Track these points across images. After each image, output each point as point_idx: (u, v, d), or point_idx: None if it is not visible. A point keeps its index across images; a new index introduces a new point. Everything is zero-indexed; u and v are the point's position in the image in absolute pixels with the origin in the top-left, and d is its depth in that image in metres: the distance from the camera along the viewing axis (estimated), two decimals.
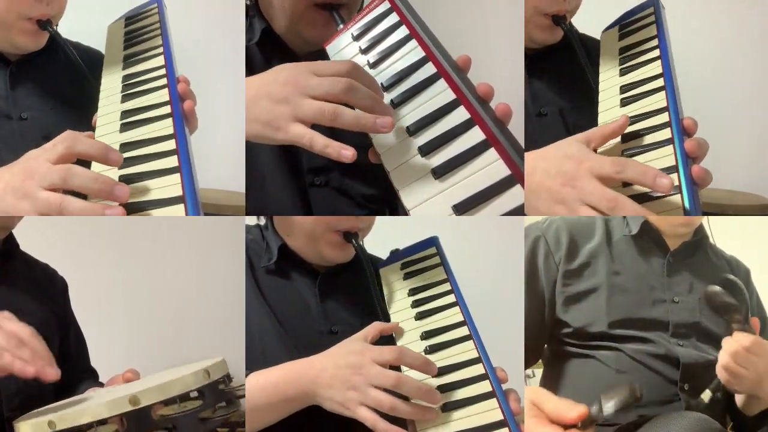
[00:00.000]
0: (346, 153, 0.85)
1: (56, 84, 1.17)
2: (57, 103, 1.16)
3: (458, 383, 0.93)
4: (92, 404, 0.82)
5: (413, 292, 1.09)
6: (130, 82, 1.06)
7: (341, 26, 1.02)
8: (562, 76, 1.17)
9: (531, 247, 1.26)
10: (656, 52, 1.08)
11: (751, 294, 1.32)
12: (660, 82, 1.03)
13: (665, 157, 0.93)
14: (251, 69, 1.10)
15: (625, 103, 1.03)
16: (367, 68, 0.95)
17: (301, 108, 0.85)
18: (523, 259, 1.25)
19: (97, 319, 1.44)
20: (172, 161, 0.89)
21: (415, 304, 1.06)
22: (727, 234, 1.35)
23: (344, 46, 1.00)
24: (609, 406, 0.80)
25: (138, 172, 0.89)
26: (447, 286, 1.06)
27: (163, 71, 1.04)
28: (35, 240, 1.27)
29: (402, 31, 0.97)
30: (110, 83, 1.08)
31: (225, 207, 1.67)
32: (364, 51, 0.98)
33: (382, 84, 0.93)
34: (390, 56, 0.96)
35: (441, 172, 0.85)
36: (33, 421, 0.84)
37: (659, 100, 1.00)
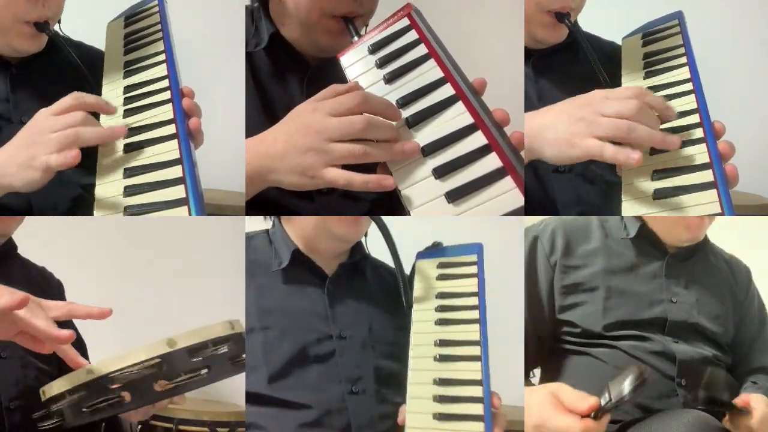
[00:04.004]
0: (388, 183, 0.89)
1: (57, 87, 1.15)
2: None
3: (454, 398, 0.98)
4: (130, 350, 0.88)
5: (442, 296, 1.10)
6: (131, 94, 1.06)
7: (356, 38, 1.04)
8: (569, 74, 1.19)
9: (529, 247, 1.29)
10: (683, 59, 1.12)
11: (753, 295, 1.32)
12: (689, 86, 1.07)
13: (698, 154, 0.97)
14: (258, 75, 1.12)
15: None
16: (382, 83, 0.97)
17: (330, 154, 0.89)
18: (523, 259, 1.25)
19: (95, 320, 1.43)
20: (180, 191, 0.91)
21: (440, 308, 1.08)
22: (726, 234, 1.36)
23: (359, 59, 1.02)
24: (616, 393, 0.82)
25: (143, 203, 0.93)
26: (475, 300, 1.07)
27: (166, 83, 1.04)
28: (34, 240, 1.28)
29: (420, 50, 0.99)
30: (111, 93, 1.08)
31: (225, 207, 1.68)
32: (380, 65, 0.99)
33: (398, 101, 0.95)
34: (407, 73, 0.97)
35: (456, 196, 0.87)
36: (68, 375, 0.89)
37: (689, 102, 1.04)
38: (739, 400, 1.08)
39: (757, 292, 1.35)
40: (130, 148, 0.98)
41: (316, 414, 1.04)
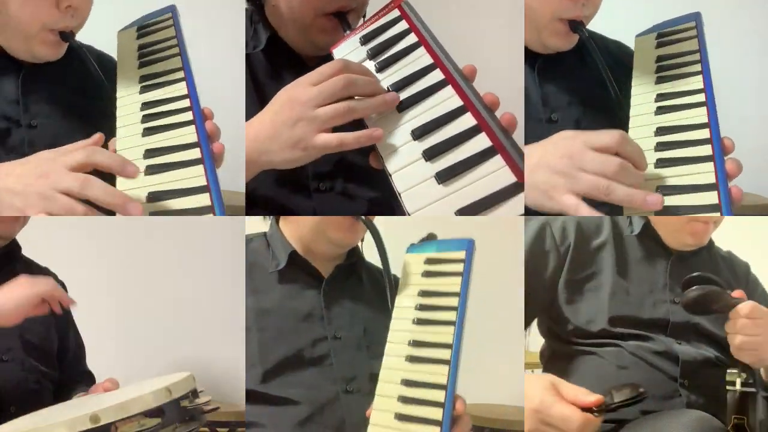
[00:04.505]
0: (377, 134, 0.91)
1: (68, 91, 1.18)
2: (68, 111, 1.16)
3: (417, 400, 0.96)
4: (52, 422, 0.85)
5: (424, 294, 1.07)
6: (149, 111, 1.05)
7: (348, 32, 1.06)
8: (576, 79, 1.18)
9: (536, 234, 1.28)
10: (698, 67, 1.10)
11: (754, 284, 1.32)
12: (701, 97, 1.05)
13: (705, 173, 0.96)
14: (256, 76, 1.14)
15: (660, 111, 1.06)
16: (373, 72, 0.99)
17: (318, 119, 0.90)
18: (523, 259, 1.25)
19: (97, 320, 1.45)
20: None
21: (420, 307, 1.05)
22: (727, 234, 1.36)
23: (352, 50, 1.04)
24: (618, 397, 0.85)
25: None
26: (455, 302, 1.02)
27: (186, 102, 1.04)
28: (34, 241, 1.28)
29: (411, 38, 1.01)
30: (126, 108, 1.06)
31: (225, 207, 1.67)
32: (372, 56, 1.01)
33: (388, 88, 0.96)
34: (397, 62, 0.99)
35: (445, 176, 0.87)
36: None
37: (699, 115, 1.03)
38: (736, 293, 1.09)
39: (758, 281, 1.35)
40: (152, 171, 0.96)
41: (311, 410, 1.05)
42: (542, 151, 0.95)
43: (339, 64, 0.92)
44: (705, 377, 1.19)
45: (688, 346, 1.20)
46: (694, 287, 1.09)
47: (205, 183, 0.93)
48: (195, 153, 0.97)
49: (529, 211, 0.95)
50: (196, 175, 0.94)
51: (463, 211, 0.85)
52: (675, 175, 0.97)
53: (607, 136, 0.93)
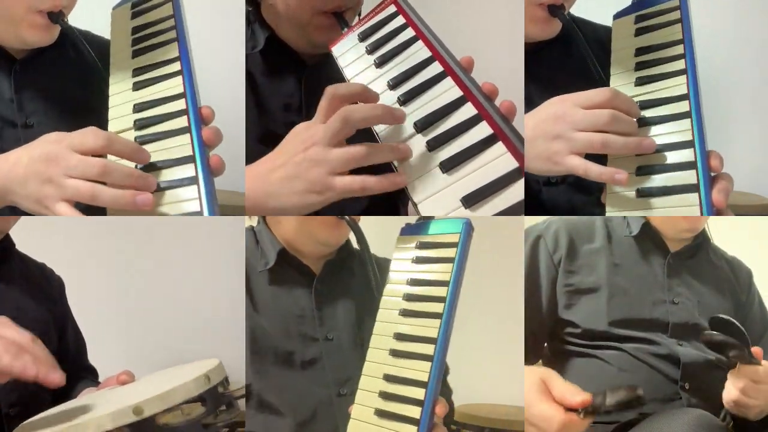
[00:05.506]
0: (399, 180, 0.89)
1: (64, 85, 1.13)
2: (65, 107, 1.11)
3: (397, 396, 0.92)
4: (95, 416, 0.83)
5: (413, 282, 0.99)
6: (142, 116, 0.98)
7: (345, 30, 1.07)
8: (560, 73, 1.17)
9: (531, 247, 1.30)
10: (681, 63, 0.98)
11: (753, 296, 1.32)
12: (685, 106, 0.94)
13: (690, 207, 0.90)
14: (254, 78, 1.14)
15: (642, 123, 0.97)
16: (373, 68, 1.01)
17: (329, 161, 0.87)
18: (523, 259, 1.25)
19: (96, 319, 1.44)
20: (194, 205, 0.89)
21: (407, 297, 0.98)
22: (727, 234, 1.36)
23: (350, 48, 1.05)
24: (611, 400, 0.82)
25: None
26: (443, 291, 0.94)
27: (182, 103, 0.97)
28: (33, 240, 1.27)
29: (408, 33, 1.02)
30: (119, 108, 1.01)
31: (225, 207, 1.66)
32: (370, 51, 1.03)
33: (388, 82, 0.98)
34: (396, 56, 1.01)
35: (449, 166, 0.89)
36: None
37: (684, 129, 0.93)
38: (755, 349, 1.05)
39: (757, 293, 1.35)
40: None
41: (303, 418, 1.03)
42: (535, 120, 0.97)
43: (328, 94, 0.88)
44: (706, 380, 1.18)
45: (689, 347, 1.20)
46: (717, 334, 1.05)
47: (199, 209, 0.90)
48: (190, 170, 0.91)
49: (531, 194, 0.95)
50: (189, 198, 0.90)
51: (468, 198, 0.87)
52: (659, 204, 0.91)
53: (597, 94, 0.94)
